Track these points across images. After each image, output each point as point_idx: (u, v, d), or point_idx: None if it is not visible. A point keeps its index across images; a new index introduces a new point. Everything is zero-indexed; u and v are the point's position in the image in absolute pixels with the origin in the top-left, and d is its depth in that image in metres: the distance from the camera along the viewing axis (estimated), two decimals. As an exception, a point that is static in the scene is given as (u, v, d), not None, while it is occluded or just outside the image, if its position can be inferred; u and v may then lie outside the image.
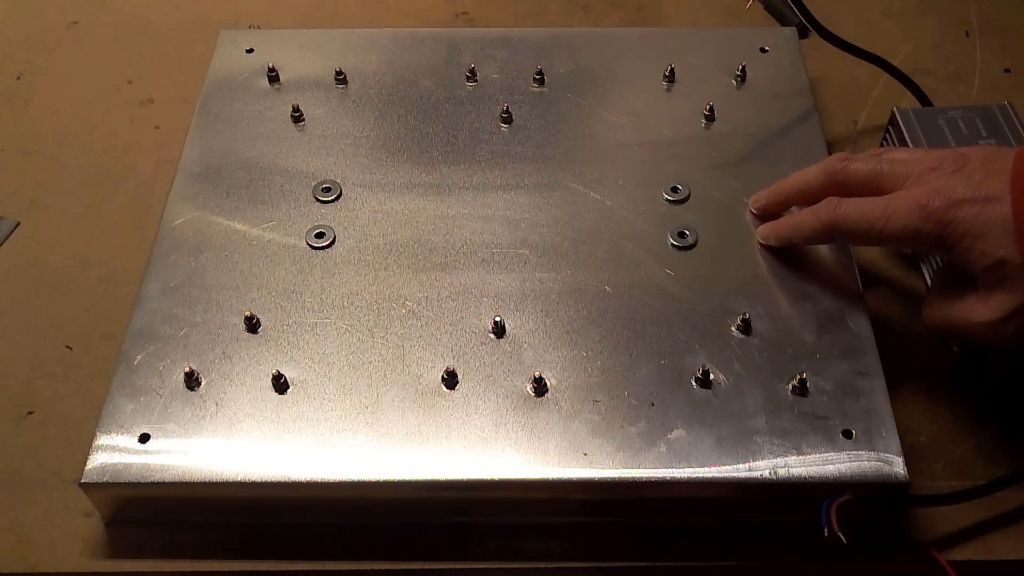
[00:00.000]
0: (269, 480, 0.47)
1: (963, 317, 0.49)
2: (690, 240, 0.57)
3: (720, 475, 0.47)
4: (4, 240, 0.63)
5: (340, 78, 0.66)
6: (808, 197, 0.54)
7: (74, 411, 0.54)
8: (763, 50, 0.68)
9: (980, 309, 0.48)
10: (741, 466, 0.47)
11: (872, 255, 0.60)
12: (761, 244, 0.56)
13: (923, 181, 0.48)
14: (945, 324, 0.50)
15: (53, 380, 0.56)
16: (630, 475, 0.47)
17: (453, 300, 0.54)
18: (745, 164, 0.61)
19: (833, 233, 0.51)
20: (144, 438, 0.49)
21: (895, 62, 0.67)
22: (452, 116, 0.64)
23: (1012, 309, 0.46)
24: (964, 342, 0.54)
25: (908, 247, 0.53)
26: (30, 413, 0.54)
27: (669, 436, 0.48)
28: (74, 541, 0.49)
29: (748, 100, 0.65)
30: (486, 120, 0.64)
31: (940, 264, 0.55)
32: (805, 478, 0.47)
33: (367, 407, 0.50)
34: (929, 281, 0.59)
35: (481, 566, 0.49)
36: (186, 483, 0.47)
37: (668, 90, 0.66)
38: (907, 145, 0.60)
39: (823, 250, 0.56)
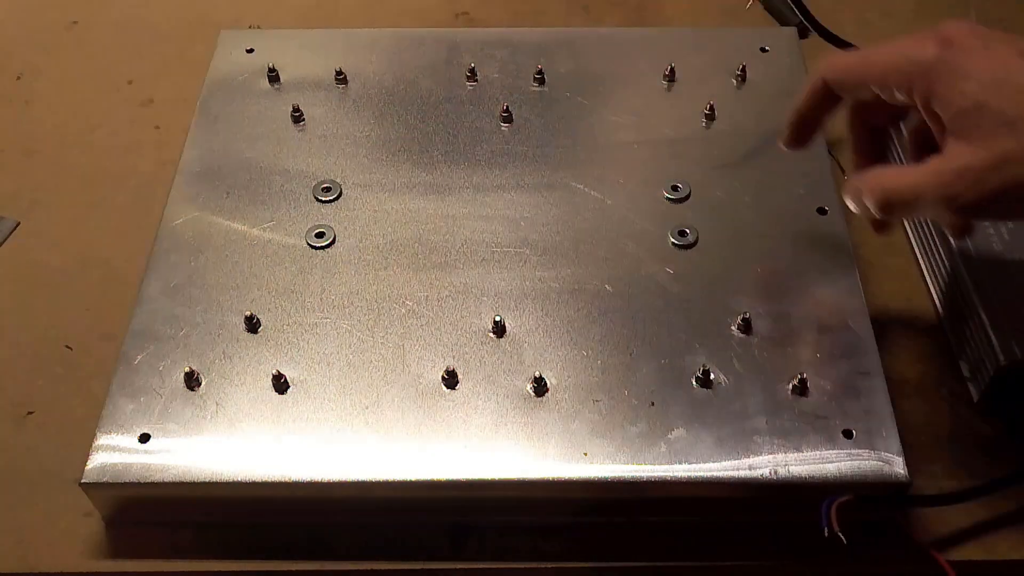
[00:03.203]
0: (269, 480, 0.47)
1: (911, 175, 0.45)
2: (690, 239, 0.57)
3: (720, 475, 0.47)
4: (4, 240, 0.63)
5: (340, 78, 0.66)
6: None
7: (74, 411, 0.54)
8: (763, 50, 0.68)
9: (933, 163, 0.44)
10: (741, 466, 0.47)
11: (872, 254, 0.60)
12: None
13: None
14: (891, 189, 0.46)
15: (53, 380, 0.56)
16: (630, 475, 0.47)
17: (453, 300, 0.54)
18: (745, 164, 0.61)
19: (824, 74, 0.49)
20: (144, 438, 0.49)
21: (895, 62, 0.67)
22: (452, 116, 0.64)
23: (971, 161, 0.42)
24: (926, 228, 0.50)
25: (895, 82, 0.46)
26: (30, 413, 0.54)
27: (669, 436, 0.48)
28: (74, 541, 0.49)
29: (748, 100, 0.65)
30: (486, 120, 0.64)
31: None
32: (805, 478, 0.47)
33: (367, 407, 0.50)
34: (928, 276, 0.59)
35: (481, 566, 0.49)
36: (186, 483, 0.47)
37: (668, 90, 0.66)
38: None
39: (823, 249, 0.56)
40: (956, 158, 0.43)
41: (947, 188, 0.43)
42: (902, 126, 0.58)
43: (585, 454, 0.48)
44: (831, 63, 0.49)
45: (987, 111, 0.42)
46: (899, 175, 0.46)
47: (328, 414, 0.49)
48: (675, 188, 0.59)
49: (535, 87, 0.66)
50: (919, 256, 0.60)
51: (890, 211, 0.47)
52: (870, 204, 0.47)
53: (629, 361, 0.51)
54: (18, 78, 0.74)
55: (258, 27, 0.76)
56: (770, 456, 0.48)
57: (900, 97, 0.46)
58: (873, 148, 0.53)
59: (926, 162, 0.45)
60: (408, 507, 0.50)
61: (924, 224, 0.59)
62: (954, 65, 0.43)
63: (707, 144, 0.62)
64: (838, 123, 0.68)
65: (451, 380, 0.50)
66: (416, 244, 0.57)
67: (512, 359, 0.52)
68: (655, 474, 0.47)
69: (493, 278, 0.55)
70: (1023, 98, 0.41)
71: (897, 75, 0.46)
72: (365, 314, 0.54)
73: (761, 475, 0.47)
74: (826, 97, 0.50)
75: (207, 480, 0.47)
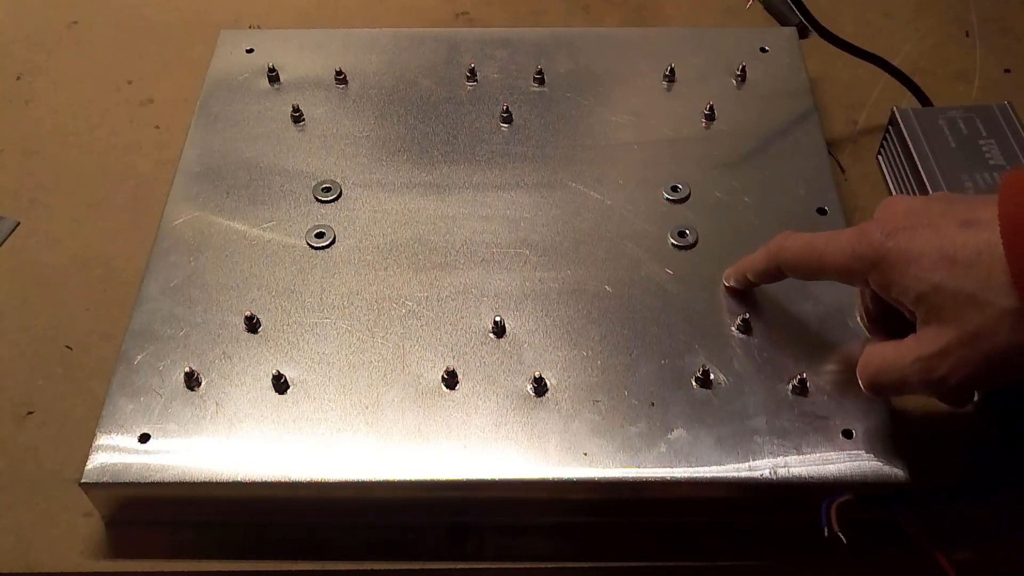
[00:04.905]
0: (269, 480, 0.47)
1: (893, 360, 0.45)
2: (690, 240, 0.57)
3: (720, 475, 0.47)
4: (4, 240, 0.63)
5: (340, 78, 0.66)
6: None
7: (74, 411, 0.54)
8: (763, 50, 0.68)
9: (912, 346, 0.44)
10: (741, 466, 0.47)
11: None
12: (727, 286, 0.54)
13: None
14: (877, 374, 0.46)
15: (53, 380, 0.55)
16: (630, 475, 0.47)
17: (453, 300, 0.54)
18: (745, 164, 0.61)
19: (779, 262, 0.50)
20: (144, 438, 0.49)
21: (895, 62, 0.67)
22: (452, 116, 0.64)
23: (946, 343, 0.42)
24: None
25: (850, 278, 0.47)
26: (30, 413, 0.54)
27: (669, 436, 0.48)
28: (74, 541, 0.49)
29: (748, 100, 0.65)
30: (486, 120, 0.64)
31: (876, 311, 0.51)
32: (805, 478, 0.47)
33: (367, 407, 0.50)
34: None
35: (481, 566, 0.49)
36: (186, 483, 0.47)
37: (668, 90, 0.66)
38: (907, 146, 0.60)
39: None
40: (932, 342, 0.43)
41: (931, 374, 0.43)
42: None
43: (585, 454, 0.48)
44: (785, 250, 0.49)
45: (945, 291, 0.42)
46: (883, 360, 0.46)
47: (328, 414, 0.49)
48: (675, 189, 0.59)
49: (535, 87, 0.66)
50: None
51: (880, 395, 0.49)
52: (862, 386, 0.48)
53: (629, 361, 0.51)
54: (18, 78, 0.74)
55: (258, 27, 0.76)
56: (770, 456, 0.48)
57: (858, 285, 0.48)
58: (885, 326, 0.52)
59: (906, 343, 0.45)
60: (408, 507, 0.50)
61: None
62: (900, 253, 0.43)
63: (707, 144, 0.62)
64: (838, 123, 0.69)
65: (451, 380, 0.50)
66: (416, 244, 0.57)
67: (512, 359, 0.52)
68: (655, 474, 0.47)
69: (493, 278, 0.55)
70: (976, 271, 0.41)
71: (849, 272, 0.46)
72: (365, 314, 0.54)
73: (761, 475, 0.47)
74: (778, 275, 0.51)
75: (207, 480, 0.48)
